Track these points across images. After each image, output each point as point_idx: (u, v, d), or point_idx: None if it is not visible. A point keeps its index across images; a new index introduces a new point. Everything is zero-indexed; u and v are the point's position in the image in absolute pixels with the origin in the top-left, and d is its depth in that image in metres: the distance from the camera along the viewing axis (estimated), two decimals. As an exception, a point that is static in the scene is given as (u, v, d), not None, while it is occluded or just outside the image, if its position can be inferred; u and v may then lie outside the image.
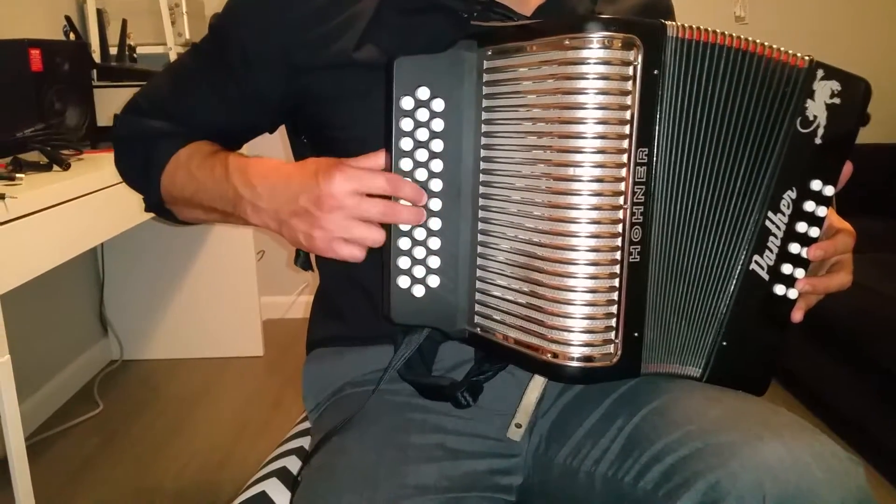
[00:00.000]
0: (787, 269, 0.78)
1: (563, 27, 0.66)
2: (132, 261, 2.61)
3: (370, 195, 0.71)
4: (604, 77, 0.65)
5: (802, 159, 0.75)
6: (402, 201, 0.72)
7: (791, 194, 0.76)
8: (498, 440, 0.83)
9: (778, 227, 0.76)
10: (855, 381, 1.97)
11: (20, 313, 2.12)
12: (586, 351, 0.69)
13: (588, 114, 0.65)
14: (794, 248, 0.77)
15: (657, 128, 0.69)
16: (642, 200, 0.68)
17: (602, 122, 0.65)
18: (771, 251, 0.77)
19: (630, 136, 0.66)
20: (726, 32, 0.71)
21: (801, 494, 0.64)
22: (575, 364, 0.69)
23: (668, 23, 0.68)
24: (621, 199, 0.67)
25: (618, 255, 0.68)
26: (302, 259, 0.91)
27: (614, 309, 0.69)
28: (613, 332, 0.69)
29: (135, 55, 2.35)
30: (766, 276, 0.78)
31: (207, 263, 2.65)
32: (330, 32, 0.82)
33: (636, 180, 0.67)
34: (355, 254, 0.72)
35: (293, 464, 0.92)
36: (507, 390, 0.82)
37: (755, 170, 0.75)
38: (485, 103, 0.72)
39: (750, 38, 0.72)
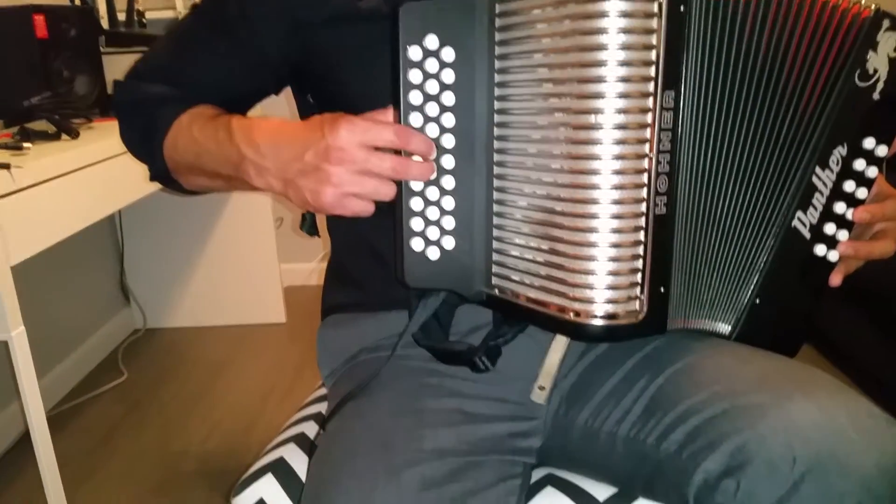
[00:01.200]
0: (829, 228, 0.74)
1: None
2: (151, 230, 2.62)
3: (379, 150, 0.68)
4: (626, 15, 0.60)
5: (857, 114, 0.71)
6: (414, 157, 0.68)
7: (841, 150, 0.72)
8: (517, 403, 0.81)
9: (824, 184, 0.73)
10: (891, 344, 1.92)
11: (42, 285, 2.13)
12: (610, 308, 0.65)
13: (609, 55, 0.61)
14: (840, 207, 0.74)
15: (684, 70, 0.64)
16: (669, 148, 0.64)
17: (625, 63, 0.61)
18: (815, 208, 0.73)
19: (655, 78, 0.62)
20: None
21: (833, 457, 0.61)
22: (598, 322, 0.66)
23: None
24: (646, 147, 0.63)
25: (643, 208, 0.64)
26: (308, 224, 0.88)
27: (639, 264, 0.65)
28: (639, 288, 0.66)
29: (144, 20, 2.32)
30: (807, 235, 0.74)
31: (226, 231, 2.64)
32: None
33: (662, 126, 0.63)
34: (367, 208, 0.69)
35: (311, 429, 0.91)
36: (526, 353, 0.79)
37: (804, 121, 0.71)
38: (498, 50, 0.67)
39: None
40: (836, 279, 0.76)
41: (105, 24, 2.20)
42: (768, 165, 0.72)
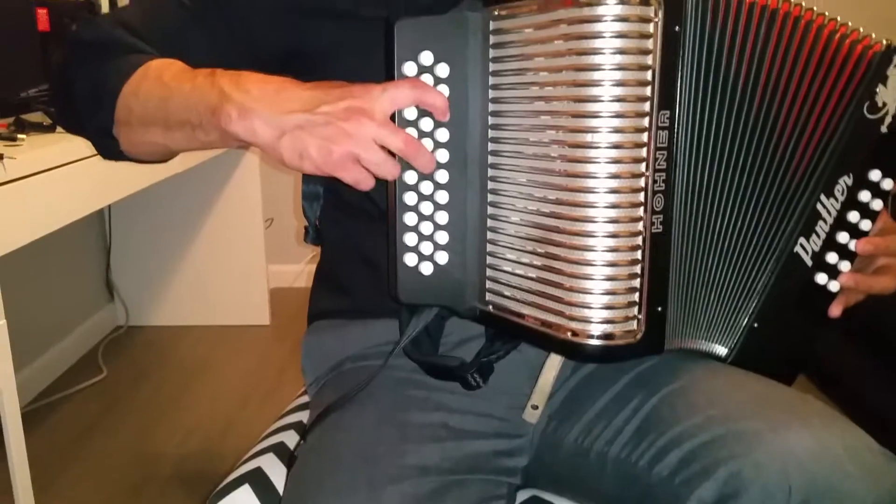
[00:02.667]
0: (832, 258, 0.74)
1: None
2: (140, 226, 2.60)
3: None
4: (622, 35, 0.61)
5: (864, 146, 0.72)
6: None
7: (847, 180, 0.72)
8: (503, 420, 0.80)
9: (829, 212, 0.73)
10: (887, 376, 1.92)
11: (26, 276, 2.11)
12: (607, 328, 0.65)
13: (605, 75, 0.61)
14: (843, 237, 0.74)
15: (679, 89, 0.65)
16: (664, 167, 0.64)
17: (620, 83, 0.61)
18: (818, 236, 0.74)
19: (651, 98, 0.62)
20: None
21: (830, 489, 0.61)
22: (595, 342, 0.65)
23: None
24: (643, 167, 0.63)
25: (640, 226, 0.64)
26: (312, 235, 0.87)
27: (637, 283, 0.65)
28: (636, 308, 0.66)
29: (144, 17, 2.30)
30: (809, 262, 0.74)
31: (215, 230, 2.63)
32: None
33: (658, 145, 0.63)
34: (367, 179, 0.65)
35: (291, 439, 0.89)
36: (514, 368, 0.78)
37: (810, 146, 0.71)
38: (492, 67, 0.67)
39: (811, 8, 0.69)
40: (835, 310, 0.76)
41: (106, 18, 2.19)
42: (770, 188, 0.72)
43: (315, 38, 0.79)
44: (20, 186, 1.19)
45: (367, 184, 0.66)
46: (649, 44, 0.61)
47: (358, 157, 0.64)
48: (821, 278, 0.75)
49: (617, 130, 0.62)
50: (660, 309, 0.67)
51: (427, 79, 0.66)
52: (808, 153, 0.72)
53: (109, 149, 0.80)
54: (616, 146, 0.62)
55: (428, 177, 0.68)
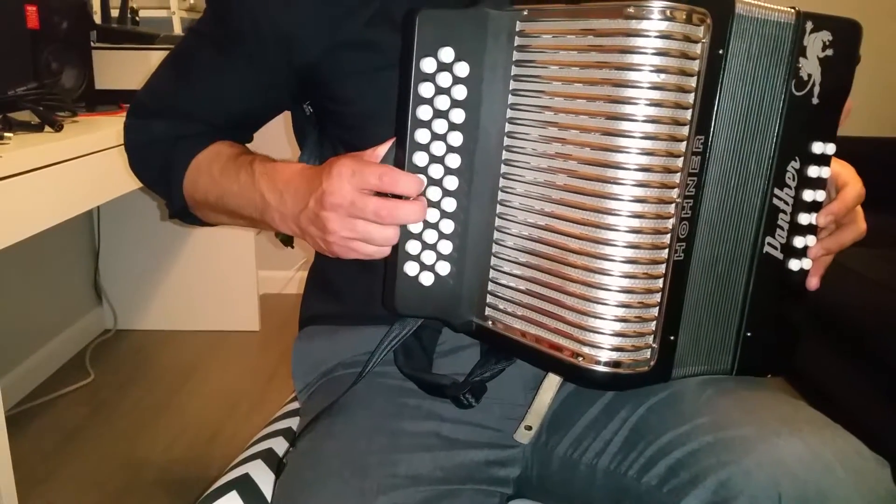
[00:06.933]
0: (799, 242, 0.72)
1: None
2: (129, 229, 2.57)
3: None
4: (664, 53, 0.57)
5: (801, 124, 0.68)
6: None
7: (795, 165, 0.69)
8: (496, 430, 0.79)
9: (786, 203, 0.70)
10: (862, 377, 1.93)
11: (13, 278, 2.08)
12: (615, 356, 0.62)
13: (642, 94, 0.58)
14: (804, 218, 0.71)
15: (715, 113, 0.62)
16: (693, 194, 0.62)
17: (657, 104, 0.58)
18: (782, 229, 0.71)
19: (691, 122, 0.59)
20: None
21: (821, 496, 0.60)
22: (603, 369, 0.62)
23: None
24: (674, 193, 0.60)
25: (664, 253, 0.61)
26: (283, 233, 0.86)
27: (656, 311, 0.62)
28: (651, 337, 0.63)
29: (137, 18, 2.29)
30: (780, 256, 0.72)
31: (206, 235, 2.60)
32: (346, 9, 0.76)
33: (690, 171, 0.61)
34: (376, 252, 0.68)
35: (280, 445, 0.88)
36: (509, 379, 0.77)
37: (762, 146, 0.68)
38: (514, 71, 0.64)
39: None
40: (812, 283, 0.74)
41: (98, 19, 2.17)
42: (741, 199, 0.69)
43: (325, 68, 0.78)
44: (6, 185, 1.17)
45: (379, 255, 0.68)
46: (695, 65, 0.59)
47: (356, 238, 0.66)
48: (794, 264, 0.72)
49: (648, 153, 0.59)
50: (672, 338, 0.65)
51: (445, 77, 0.64)
52: (761, 153, 0.68)
53: (198, 223, 0.91)
54: (645, 169, 0.59)
55: (436, 182, 0.66)
